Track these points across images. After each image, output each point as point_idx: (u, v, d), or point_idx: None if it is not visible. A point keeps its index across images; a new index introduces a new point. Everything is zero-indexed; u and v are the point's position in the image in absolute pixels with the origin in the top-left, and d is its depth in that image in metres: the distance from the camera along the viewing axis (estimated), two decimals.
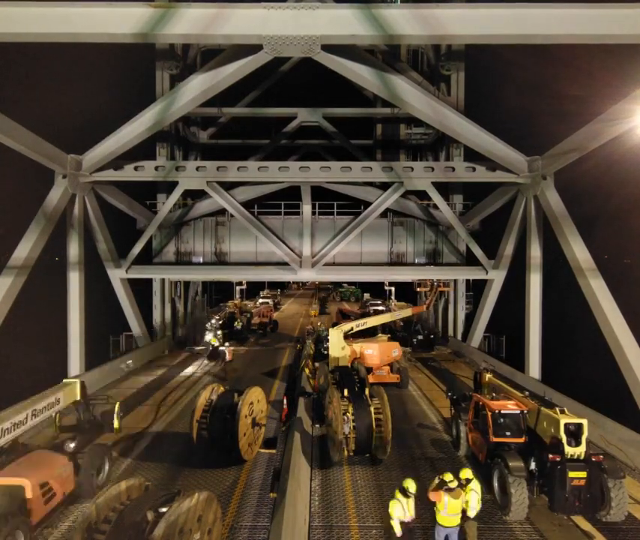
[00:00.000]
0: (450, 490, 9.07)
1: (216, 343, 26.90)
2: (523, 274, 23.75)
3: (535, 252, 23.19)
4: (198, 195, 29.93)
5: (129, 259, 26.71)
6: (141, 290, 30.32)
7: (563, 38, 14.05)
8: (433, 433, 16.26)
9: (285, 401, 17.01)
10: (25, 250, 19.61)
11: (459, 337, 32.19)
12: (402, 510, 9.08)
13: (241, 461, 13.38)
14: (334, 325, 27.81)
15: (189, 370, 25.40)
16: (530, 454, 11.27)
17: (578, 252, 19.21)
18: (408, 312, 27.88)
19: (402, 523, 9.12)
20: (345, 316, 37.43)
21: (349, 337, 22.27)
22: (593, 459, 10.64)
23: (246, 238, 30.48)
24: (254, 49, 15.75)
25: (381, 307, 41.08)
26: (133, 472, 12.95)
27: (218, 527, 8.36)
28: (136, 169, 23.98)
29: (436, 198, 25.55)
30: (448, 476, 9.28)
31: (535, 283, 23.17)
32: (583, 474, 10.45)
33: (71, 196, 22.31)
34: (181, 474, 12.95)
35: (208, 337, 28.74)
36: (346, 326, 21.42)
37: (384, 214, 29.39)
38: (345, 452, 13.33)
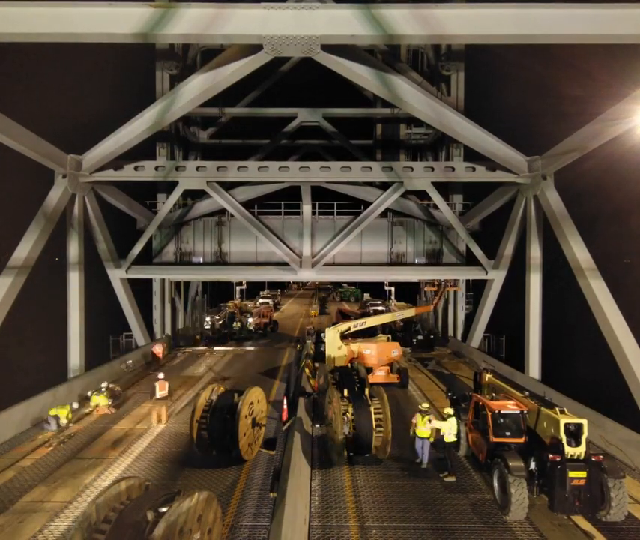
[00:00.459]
0: (422, 412, 13.34)
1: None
2: (523, 274, 23.76)
3: (535, 252, 23.20)
4: (198, 195, 29.94)
5: (129, 259, 26.72)
6: (141, 290, 30.32)
7: (563, 38, 14.05)
8: None
9: (285, 401, 17.01)
10: (25, 250, 19.60)
11: (459, 337, 32.20)
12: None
13: (241, 461, 13.38)
14: (333, 325, 27.77)
15: None
16: (530, 454, 11.27)
17: (578, 252, 19.21)
18: (411, 312, 27.62)
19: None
20: (344, 316, 37.45)
21: (348, 336, 22.26)
22: (593, 459, 10.63)
23: (246, 238, 30.49)
24: (254, 49, 15.76)
25: (380, 307, 41.10)
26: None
27: (218, 527, 8.35)
28: (136, 169, 23.99)
29: (436, 198, 25.56)
30: (424, 405, 13.63)
31: (535, 283, 23.19)
32: (583, 474, 10.45)
33: (71, 196, 22.33)
34: (181, 474, 12.96)
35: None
36: (343, 326, 21.41)
37: (384, 214, 29.40)
38: (345, 452, 13.33)
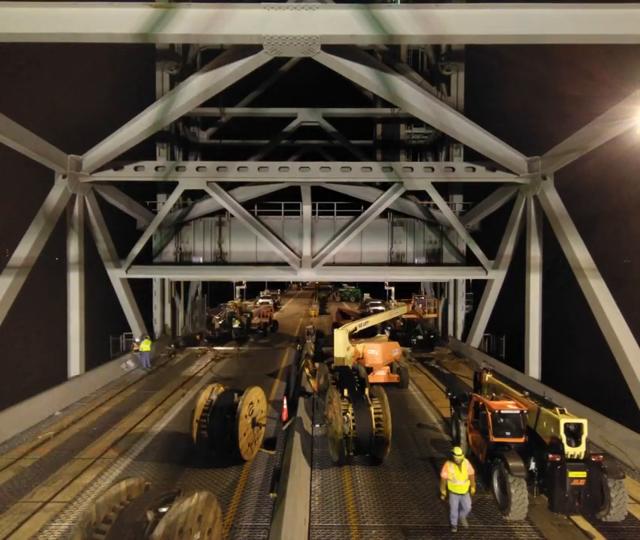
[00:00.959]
0: (455, 461, 10.52)
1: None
2: (523, 274, 23.76)
3: (535, 252, 23.19)
4: (198, 195, 29.95)
5: (129, 259, 26.72)
6: (141, 290, 30.33)
7: (563, 38, 14.04)
8: (433, 433, 16.26)
9: (285, 401, 17.01)
10: (25, 250, 19.59)
11: (459, 337, 32.20)
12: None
13: (241, 461, 13.39)
14: (334, 325, 27.74)
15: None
16: (530, 454, 11.26)
17: (578, 252, 19.20)
18: (403, 309, 28.12)
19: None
20: (345, 316, 37.44)
21: (352, 337, 22.28)
22: (593, 459, 10.63)
23: (246, 238, 30.49)
24: (254, 49, 15.75)
25: (380, 308, 41.06)
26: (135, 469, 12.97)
27: (218, 527, 8.34)
28: (136, 169, 23.98)
29: (436, 198, 25.55)
30: (457, 450, 10.72)
31: (535, 283, 23.18)
32: (583, 474, 10.44)
33: (71, 196, 22.31)
34: (181, 474, 12.96)
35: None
36: (350, 326, 21.43)
37: (384, 214, 29.40)
38: (345, 452, 13.34)
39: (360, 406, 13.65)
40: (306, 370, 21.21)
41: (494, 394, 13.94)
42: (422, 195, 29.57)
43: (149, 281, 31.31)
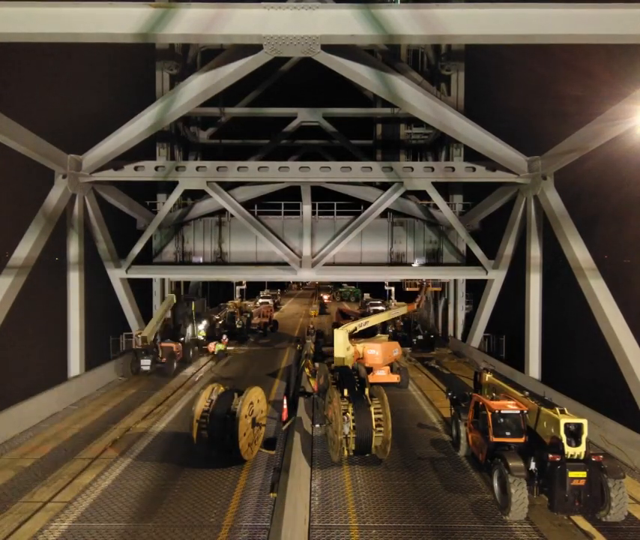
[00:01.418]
0: None
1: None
2: (523, 274, 23.75)
3: (535, 252, 23.19)
4: (198, 195, 29.93)
5: (129, 259, 26.71)
6: (141, 290, 30.32)
7: (563, 38, 14.03)
8: (433, 433, 16.27)
9: (285, 401, 17.01)
10: (25, 250, 19.58)
11: (459, 337, 32.19)
12: None
13: (241, 461, 13.39)
14: (334, 325, 27.70)
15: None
16: (530, 454, 11.26)
17: (578, 252, 19.20)
18: (403, 309, 28.07)
19: None
20: (345, 316, 37.43)
21: (352, 337, 22.27)
22: (593, 459, 10.63)
23: (246, 238, 30.46)
24: (254, 49, 15.74)
25: (380, 307, 41.05)
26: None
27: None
28: (136, 169, 23.96)
29: (436, 198, 25.54)
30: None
31: (535, 283, 23.17)
32: (583, 474, 10.44)
33: (71, 196, 22.30)
34: (181, 474, 12.95)
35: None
36: (350, 326, 21.42)
37: (384, 214, 29.37)
38: (345, 452, 13.33)
39: (360, 406, 13.65)
40: (306, 370, 21.20)
41: (494, 394, 13.95)
42: (422, 195, 29.55)
43: (149, 281, 31.31)
